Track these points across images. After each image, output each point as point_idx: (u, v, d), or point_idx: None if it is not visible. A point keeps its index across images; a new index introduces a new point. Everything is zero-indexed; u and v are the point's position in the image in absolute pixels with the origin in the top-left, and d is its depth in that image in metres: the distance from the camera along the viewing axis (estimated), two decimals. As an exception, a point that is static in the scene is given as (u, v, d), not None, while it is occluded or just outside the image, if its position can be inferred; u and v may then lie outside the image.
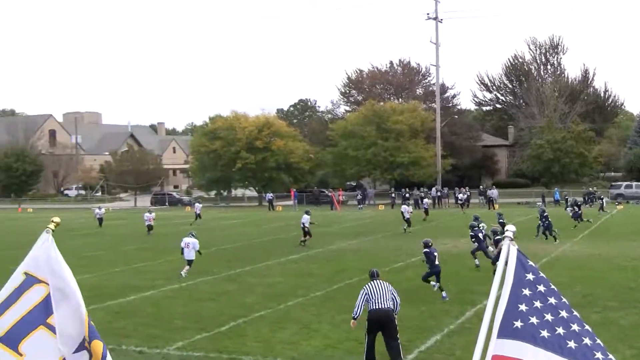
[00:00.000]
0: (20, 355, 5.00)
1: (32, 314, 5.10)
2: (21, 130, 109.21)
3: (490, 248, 25.58)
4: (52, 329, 5.10)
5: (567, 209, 45.59)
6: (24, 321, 5.08)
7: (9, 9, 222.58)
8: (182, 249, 25.60)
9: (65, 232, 42.75)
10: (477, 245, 25.82)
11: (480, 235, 25.94)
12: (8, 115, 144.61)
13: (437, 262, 20.83)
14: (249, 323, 17.21)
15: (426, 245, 21.18)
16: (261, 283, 23.29)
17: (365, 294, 13.48)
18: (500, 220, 31.73)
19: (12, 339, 5.03)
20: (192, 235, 26.09)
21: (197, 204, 52.73)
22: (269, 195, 73.09)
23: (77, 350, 5.15)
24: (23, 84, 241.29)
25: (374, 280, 13.96)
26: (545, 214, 35.29)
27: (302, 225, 34.65)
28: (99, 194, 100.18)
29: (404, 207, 42.27)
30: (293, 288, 22.08)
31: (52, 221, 5.58)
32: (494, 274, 4.91)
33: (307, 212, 35.53)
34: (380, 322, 13.19)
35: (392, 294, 13.67)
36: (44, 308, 5.11)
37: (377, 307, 13.15)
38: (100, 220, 48.74)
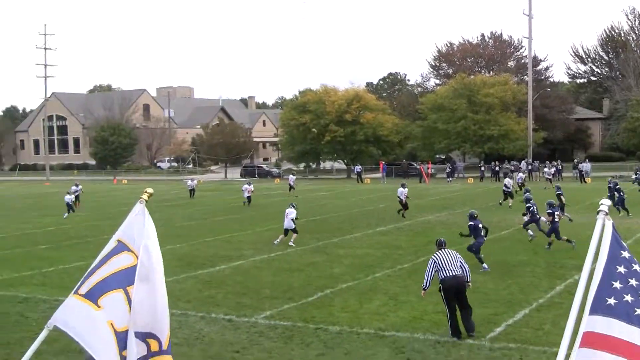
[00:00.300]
0: (99, 307, 5.20)
1: (117, 276, 5.28)
2: (117, 104, 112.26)
3: (525, 218, 25.82)
4: (128, 298, 5.25)
5: None
6: (107, 280, 5.27)
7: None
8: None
9: (158, 202, 43.88)
10: (530, 218, 25.36)
11: (533, 208, 25.46)
12: (105, 91, 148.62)
13: (482, 234, 20.47)
14: (337, 294, 17.33)
15: (472, 217, 20.72)
16: (349, 254, 23.39)
17: (435, 263, 13.48)
18: (558, 192, 31.17)
19: (94, 293, 5.25)
20: (292, 206, 26.51)
21: (290, 176, 53.83)
22: (358, 168, 73.16)
23: (137, 336, 5.27)
24: (119, 60, 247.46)
25: (442, 250, 13.89)
26: (617, 186, 34.41)
27: (399, 198, 34.75)
28: (191, 166, 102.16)
29: (507, 180, 40.75)
30: (380, 260, 22.10)
31: (145, 192, 5.71)
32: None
33: (402, 185, 35.53)
34: (455, 289, 13.20)
35: (460, 261, 13.61)
36: (128, 275, 5.27)
37: (448, 274, 13.12)
38: (192, 191, 49.84)
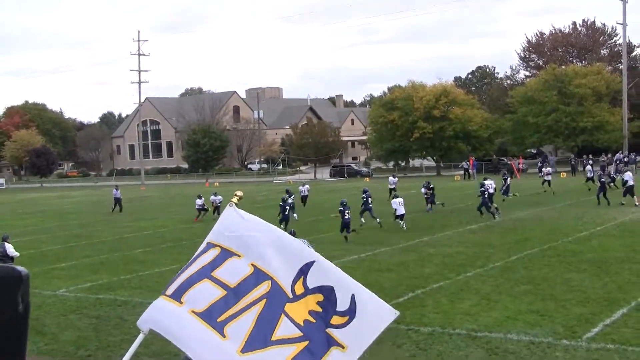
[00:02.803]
0: (181, 303, 5.13)
1: (200, 271, 5.19)
2: (208, 107, 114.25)
3: None
4: (216, 281, 5.07)
5: None
6: (192, 277, 5.17)
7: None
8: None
9: (249, 204, 44.42)
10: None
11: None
12: (196, 93, 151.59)
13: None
14: (428, 294, 17.22)
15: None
16: (439, 253, 23.21)
17: None
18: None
19: (178, 292, 5.20)
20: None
21: (391, 178, 48.62)
22: (465, 164, 72.09)
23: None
24: (209, 63, 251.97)
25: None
26: (602, 179, 35.67)
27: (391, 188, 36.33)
28: (280, 167, 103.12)
29: (627, 175, 37.07)
30: (471, 258, 21.85)
31: (235, 195, 5.78)
32: None
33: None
34: None
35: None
36: (212, 264, 5.17)
37: None
38: (303, 197, 44.58)
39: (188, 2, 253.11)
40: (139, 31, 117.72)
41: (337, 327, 4.72)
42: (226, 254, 5.20)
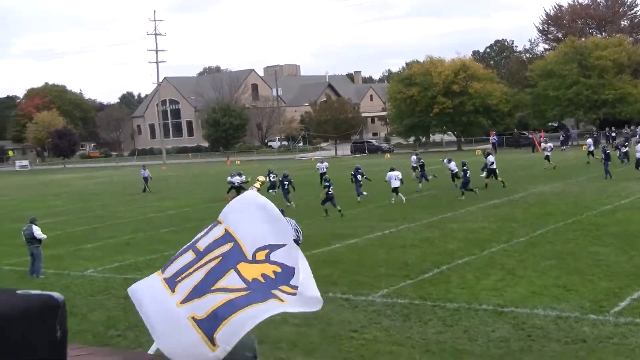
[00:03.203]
0: (174, 292, 5.20)
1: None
2: (226, 85, 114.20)
3: None
4: (194, 250, 5.15)
5: None
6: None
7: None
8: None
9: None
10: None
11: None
12: (214, 72, 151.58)
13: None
14: (452, 269, 17.26)
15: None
16: (463, 229, 23.21)
17: None
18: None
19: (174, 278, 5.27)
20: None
21: (413, 157, 45.85)
22: (494, 138, 71.29)
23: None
24: (227, 42, 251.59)
25: None
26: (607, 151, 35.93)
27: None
28: (301, 144, 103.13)
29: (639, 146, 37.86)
30: (496, 233, 21.84)
31: (258, 180, 5.78)
32: None
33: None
34: None
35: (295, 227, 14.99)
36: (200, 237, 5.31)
37: None
38: (322, 175, 43.21)
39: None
40: (154, 11, 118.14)
41: (283, 292, 4.81)
42: (214, 225, 5.30)
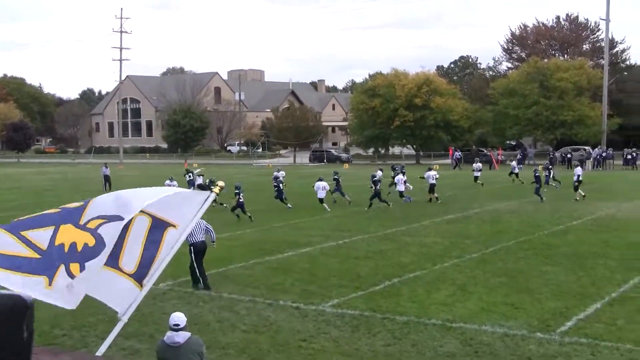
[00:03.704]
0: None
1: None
2: (189, 87, 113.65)
3: None
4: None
5: None
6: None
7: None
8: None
9: (228, 187, 44.20)
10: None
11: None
12: (177, 73, 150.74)
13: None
14: (404, 283, 17.29)
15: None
16: (416, 243, 23.28)
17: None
18: None
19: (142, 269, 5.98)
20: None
21: (378, 172, 44.41)
22: (458, 154, 71.26)
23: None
24: (192, 43, 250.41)
25: None
26: (537, 174, 36.26)
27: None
28: (260, 150, 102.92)
29: (578, 169, 37.78)
30: (448, 249, 21.95)
31: (217, 185, 5.74)
32: None
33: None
34: (203, 251, 17.09)
35: (206, 226, 17.30)
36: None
37: (198, 239, 16.80)
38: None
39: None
40: (121, 8, 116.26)
41: (67, 270, 5.40)
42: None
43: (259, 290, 16.64)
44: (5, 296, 2.32)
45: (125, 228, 6.00)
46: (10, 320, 2.33)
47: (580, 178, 36.60)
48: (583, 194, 36.01)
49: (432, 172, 36.70)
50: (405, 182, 36.72)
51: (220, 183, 5.75)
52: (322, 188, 33.31)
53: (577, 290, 16.10)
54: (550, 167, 41.02)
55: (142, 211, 6.04)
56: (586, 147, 70.70)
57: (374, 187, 33.30)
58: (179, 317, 8.02)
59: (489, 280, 17.27)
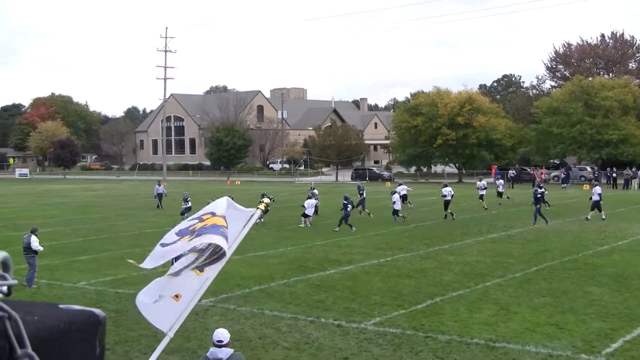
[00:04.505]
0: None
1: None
2: (232, 105, 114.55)
3: None
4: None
5: None
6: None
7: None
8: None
9: (270, 205, 44.37)
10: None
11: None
12: (220, 92, 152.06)
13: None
14: (446, 302, 17.19)
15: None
16: (459, 261, 23.15)
17: None
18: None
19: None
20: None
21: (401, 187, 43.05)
22: (512, 172, 70.81)
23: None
24: (235, 62, 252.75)
25: None
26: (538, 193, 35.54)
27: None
28: (302, 168, 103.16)
29: (596, 189, 36.32)
30: (491, 268, 21.78)
31: (263, 202, 5.81)
32: None
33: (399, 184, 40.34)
34: None
35: None
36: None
37: None
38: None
39: (218, 0, 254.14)
40: (166, 27, 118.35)
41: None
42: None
43: (301, 307, 16.67)
44: (78, 312, 2.38)
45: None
46: (84, 336, 2.38)
47: (599, 198, 35.32)
48: (603, 216, 35.11)
49: (448, 189, 37.12)
50: (405, 199, 38.30)
51: (266, 200, 5.81)
52: (310, 206, 34.29)
53: (623, 312, 15.86)
54: (541, 185, 39.77)
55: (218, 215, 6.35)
56: (632, 167, 69.61)
57: (344, 208, 32.82)
58: (222, 334, 8.09)
59: (533, 300, 17.09)
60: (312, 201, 34.74)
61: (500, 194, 46.09)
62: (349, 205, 32.59)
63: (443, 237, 29.20)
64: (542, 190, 36.04)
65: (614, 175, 65.51)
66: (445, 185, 38.33)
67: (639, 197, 50.49)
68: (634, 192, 58.99)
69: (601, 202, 35.42)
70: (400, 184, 40.31)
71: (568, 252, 24.73)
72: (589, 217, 35.13)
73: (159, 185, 47.45)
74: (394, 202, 35.58)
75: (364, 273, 21.35)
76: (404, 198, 39.21)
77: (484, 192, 43.55)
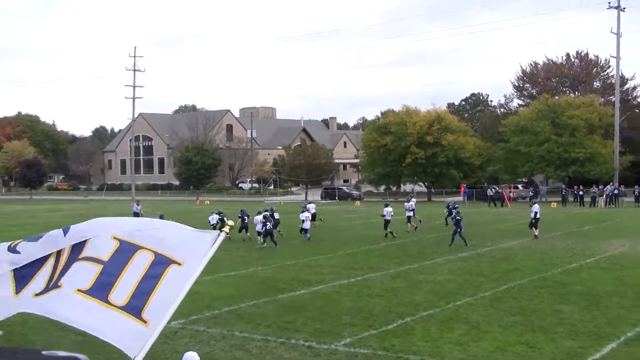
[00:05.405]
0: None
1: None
2: (201, 125, 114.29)
3: None
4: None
5: None
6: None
7: (193, 14, 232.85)
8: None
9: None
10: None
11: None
12: (190, 111, 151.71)
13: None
14: (417, 321, 17.14)
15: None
16: (429, 280, 23.13)
17: None
18: None
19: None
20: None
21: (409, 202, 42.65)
22: (491, 191, 70.48)
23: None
24: (205, 81, 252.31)
25: None
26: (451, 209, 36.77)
27: (385, 219, 36.53)
28: (272, 187, 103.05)
29: (535, 207, 36.55)
30: (461, 287, 21.79)
31: (227, 224, 5.72)
32: None
33: (386, 205, 38.36)
34: None
35: None
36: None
37: None
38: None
39: (185, 19, 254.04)
40: (135, 47, 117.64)
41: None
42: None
43: (271, 328, 16.53)
44: (61, 357, 2.39)
45: (123, 263, 6.09)
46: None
47: (538, 216, 35.98)
48: (536, 233, 35.59)
49: (389, 209, 37.02)
50: (314, 218, 39.36)
51: (230, 222, 5.74)
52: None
53: (592, 330, 15.92)
54: (456, 206, 40.14)
55: (144, 247, 6.08)
56: (599, 185, 70.40)
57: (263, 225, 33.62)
58: (192, 356, 7.96)
59: (503, 319, 17.11)
60: (305, 214, 36.26)
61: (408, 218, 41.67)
62: (267, 223, 33.62)
63: (413, 256, 29.22)
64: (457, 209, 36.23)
65: (581, 193, 66.20)
66: (387, 205, 38.20)
67: (606, 214, 51.01)
68: (600, 210, 59.61)
69: (536, 220, 35.84)
70: (408, 200, 40.44)
71: (537, 270, 24.83)
72: (537, 235, 35.41)
73: (137, 204, 47.30)
74: (303, 221, 36.40)
75: (335, 293, 21.26)
76: (313, 216, 39.88)
77: (411, 214, 40.77)
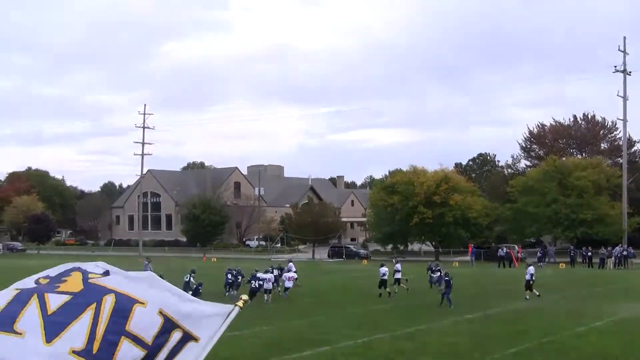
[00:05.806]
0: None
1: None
2: (209, 182, 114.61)
3: None
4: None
5: None
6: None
7: (189, 68, 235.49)
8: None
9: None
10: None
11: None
12: (198, 168, 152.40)
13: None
14: (424, 384, 16.94)
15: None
16: (436, 342, 22.91)
17: None
18: None
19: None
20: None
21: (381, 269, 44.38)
22: (502, 252, 69.27)
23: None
24: (212, 139, 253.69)
25: None
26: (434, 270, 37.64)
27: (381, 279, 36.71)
28: (279, 245, 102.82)
29: (530, 269, 36.48)
30: (469, 349, 21.55)
31: (242, 299, 5.69)
32: None
33: (382, 265, 38.54)
34: None
35: None
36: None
37: None
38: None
39: (196, 79, 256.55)
40: (145, 105, 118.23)
41: None
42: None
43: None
44: None
45: (161, 346, 5.50)
46: None
47: (534, 278, 36.10)
48: (537, 293, 35.68)
49: (385, 269, 37.05)
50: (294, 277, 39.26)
51: (244, 297, 5.70)
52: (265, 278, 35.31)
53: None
54: (439, 268, 40.30)
55: (179, 325, 5.62)
56: (608, 247, 70.08)
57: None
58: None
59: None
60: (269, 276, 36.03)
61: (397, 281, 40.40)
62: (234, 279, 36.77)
63: (420, 317, 28.98)
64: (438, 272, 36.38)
65: (589, 254, 65.86)
66: (382, 265, 38.50)
67: (615, 276, 50.68)
68: (609, 271, 59.25)
69: (532, 282, 35.90)
70: (382, 265, 40.00)
71: (546, 332, 24.60)
72: (527, 297, 35.40)
73: (147, 261, 47.36)
74: (285, 280, 37.99)
75: (341, 354, 21.03)
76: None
77: (398, 276, 39.56)
